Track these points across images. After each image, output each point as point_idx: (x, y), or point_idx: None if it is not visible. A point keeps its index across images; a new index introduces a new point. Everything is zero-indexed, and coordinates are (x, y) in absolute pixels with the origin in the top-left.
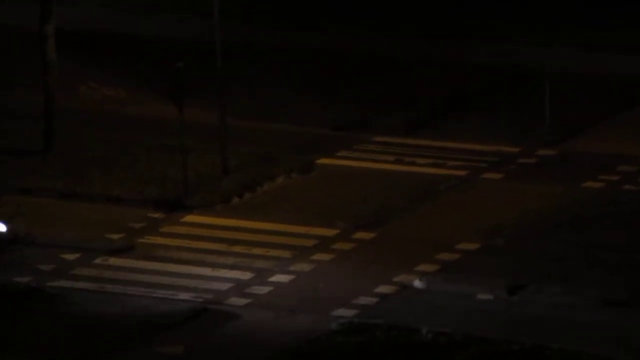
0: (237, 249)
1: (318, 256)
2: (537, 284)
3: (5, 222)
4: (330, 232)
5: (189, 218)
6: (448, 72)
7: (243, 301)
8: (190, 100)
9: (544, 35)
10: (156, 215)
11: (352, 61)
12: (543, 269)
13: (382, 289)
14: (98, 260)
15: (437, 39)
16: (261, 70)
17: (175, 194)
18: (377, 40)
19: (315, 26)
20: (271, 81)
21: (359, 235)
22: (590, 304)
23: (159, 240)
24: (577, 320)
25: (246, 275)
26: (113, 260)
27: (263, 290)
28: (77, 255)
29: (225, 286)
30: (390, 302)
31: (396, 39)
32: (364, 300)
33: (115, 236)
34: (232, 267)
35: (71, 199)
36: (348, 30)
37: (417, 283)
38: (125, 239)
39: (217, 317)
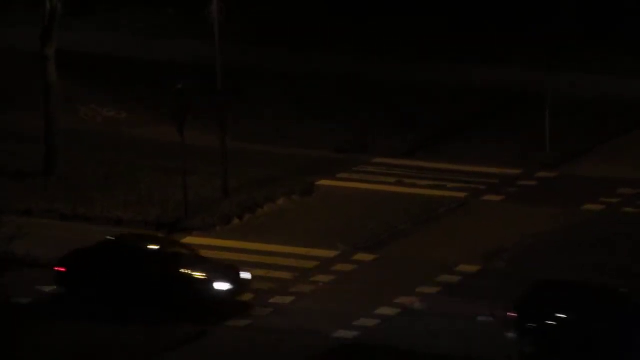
0: None
1: (318, 277)
2: None
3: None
4: (330, 254)
5: (189, 239)
6: (449, 96)
7: (244, 322)
8: (192, 122)
9: (544, 59)
10: None
11: (352, 85)
12: None
13: (383, 310)
14: None
15: (437, 63)
16: (263, 94)
17: (175, 215)
18: (377, 64)
19: (317, 50)
20: (273, 104)
21: (360, 256)
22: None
23: None
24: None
25: (246, 297)
26: None
27: (264, 311)
28: None
29: (225, 307)
30: (391, 323)
31: (397, 63)
32: (364, 321)
33: None
34: None
35: (72, 220)
36: (349, 54)
37: (417, 305)
38: None
39: (218, 338)
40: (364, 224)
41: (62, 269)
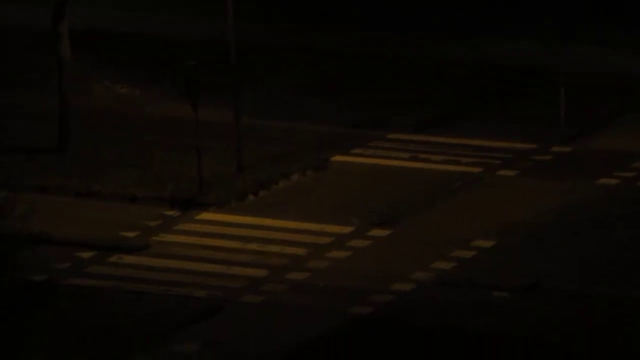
0: (252, 246)
1: (333, 253)
2: (552, 282)
3: None
4: (345, 230)
5: (204, 216)
6: (463, 71)
7: (258, 298)
8: (206, 99)
9: (559, 34)
10: (171, 213)
11: (367, 61)
12: (558, 267)
13: (398, 286)
14: (113, 259)
15: (452, 39)
16: (276, 70)
17: (190, 192)
18: (392, 40)
19: (331, 26)
20: (286, 80)
21: (375, 232)
22: (603, 302)
23: (174, 238)
24: (592, 318)
25: (261, 273)
26: (128, 259)
27: (278, 287)
28: (93, 253)
29: (240, 284)
30: (406, 299)
31: (411, 39)
32: (379, 297)
33: (130, 234)
34: (247, 264)
35: (86, 197)
36: (363, 30)
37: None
38: (140, 237)
39: (232, 314)
40: (379, 199)
41: None
